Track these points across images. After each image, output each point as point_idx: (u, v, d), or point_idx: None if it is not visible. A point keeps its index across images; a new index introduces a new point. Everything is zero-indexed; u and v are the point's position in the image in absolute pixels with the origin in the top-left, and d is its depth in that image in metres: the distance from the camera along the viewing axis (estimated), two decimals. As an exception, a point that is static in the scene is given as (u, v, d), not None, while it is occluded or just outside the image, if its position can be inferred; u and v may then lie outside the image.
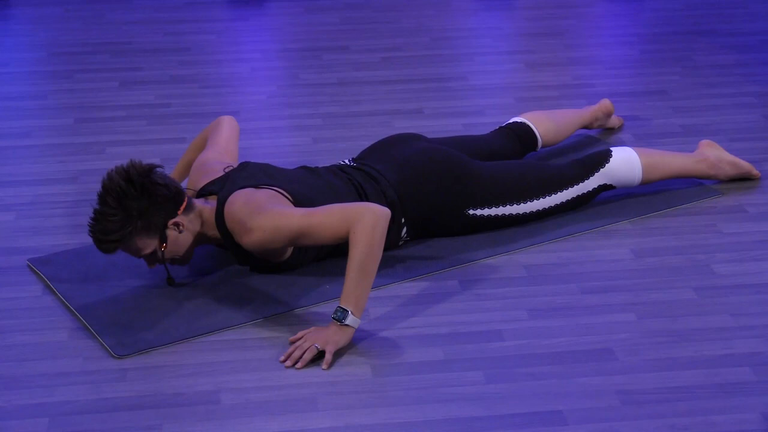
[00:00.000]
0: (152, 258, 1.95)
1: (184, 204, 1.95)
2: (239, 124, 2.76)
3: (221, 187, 2.01)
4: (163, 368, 1.79)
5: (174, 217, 1.93)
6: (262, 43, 3.34)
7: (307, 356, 1.77)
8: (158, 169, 1.98)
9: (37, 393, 1.73)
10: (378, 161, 2.18)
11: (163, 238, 1.92)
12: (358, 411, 1.68)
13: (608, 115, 2.64)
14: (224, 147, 2.19)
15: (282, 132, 2.71)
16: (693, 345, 1.83)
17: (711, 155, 2.36)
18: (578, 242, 2.17)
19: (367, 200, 2.06)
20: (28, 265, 2.12)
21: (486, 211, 2.16)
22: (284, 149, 2.62)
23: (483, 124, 2.73)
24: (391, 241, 2.13)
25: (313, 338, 1.80)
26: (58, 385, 1.74)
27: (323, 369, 1.77)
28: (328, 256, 2.11)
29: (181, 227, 1.94)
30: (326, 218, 1.85)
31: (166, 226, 1.92)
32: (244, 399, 1.71)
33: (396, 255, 2.12)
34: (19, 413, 1.68)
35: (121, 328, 1.89)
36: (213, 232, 2.00)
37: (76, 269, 2.08)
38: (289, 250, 2.00)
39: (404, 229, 2.12)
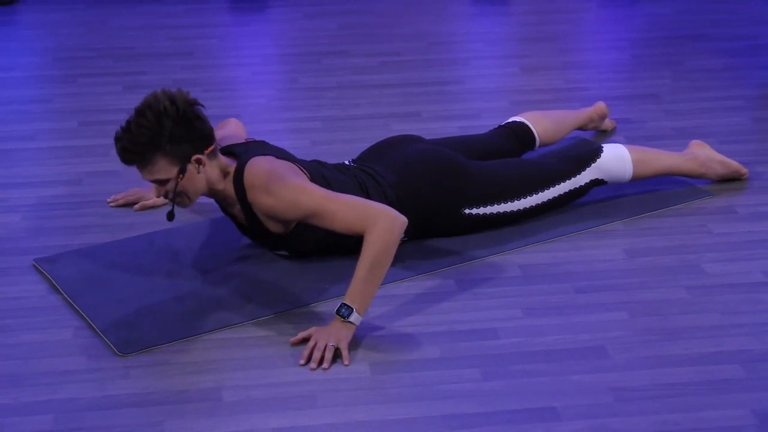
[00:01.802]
0: (163, 185, 1.95)
1: (212, 147, 1.97)
2: (240, 128, 2.80)
3: (243, 151, 2.04)
4: (166, 366, 1.81)
5: (200, 154, 1.95)
6: (262, 48, 3.38)
7: (329, 355, 1.80)
8: (200, 106, 2.01)
9: (42, 390, 1.75)
10: (377, 162, 2.21)
11: (183, 170, 1.94)
12: (356, 408, 1.70)
13: (603, 117, 2.68)
14: (234, 132, 2.22)
15: (282, 135, 2.75)
16: (684, 343, 1.86)
17: (701, 154, 2.40)
18: (572, 242, 2.21)
19: (369, 198, 2.10)
20: (34, 265, 2.15)
21: (482, 210, 2.19)
22: (284, 152, 2.66)
23: (479, 126, 2.77)
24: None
25: (324, 337, 1.82)
26: (63, 383, 1.77)
27: (345, 365, 1.80)
28: (329, 250, 2.13)
29: (201, 166, 1.96)
30: (345, 208, 1.88)
31: (189, 160, 1.94)
32: (245, 396, 1.74)
33: (394, 255, 2.16)
34: (24, 410, 1.71)
35: (124, 327, 1.91)
36: (227, 185, 2.01)
37: (81, 269, 2.11)
38: (293, 224, 2.02)
39: (402, 230, 2.16)
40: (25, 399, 1.74)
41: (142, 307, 1.98)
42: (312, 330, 1.85)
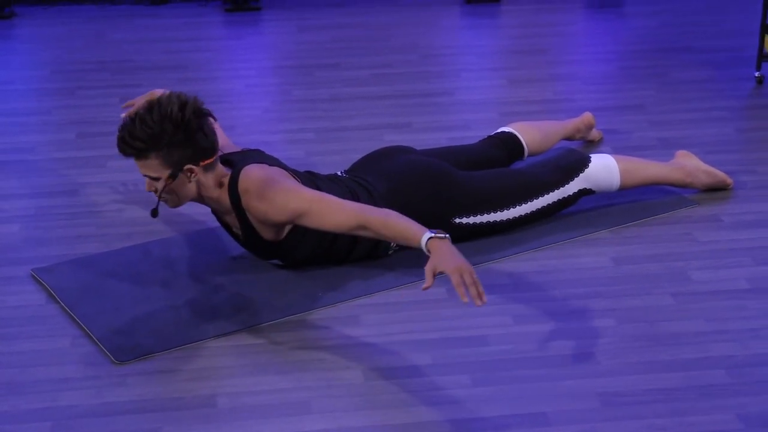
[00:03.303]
0: (154, 183, 1.99)
1: (211, 160, 2.00)
2: (235, 138, 2.83)
3: (239, 160, 2.08)
4: (162, 373, 1.84)
5: (193, 165, 1.98)
6: (256, 61, 3.41)
7: (480, 289, 1.71)
8: (211, 119, 2.03)
9: (40, 398, 1.77)
10: (368, 173, 2.25)
11: (174, 176, 1.97)
12: (350, 414, 1.73)
13: (590, 127, 2.72)
14: (225, 142, 2.26)
15: (276, 146, 2.78)
16: (671, 349, 1.89)
17: (687, 164, 2.44)
18: (560, 251, 2.24)
19: None
20: (32, 275, 2.17)
21: (472, 219, 2.23)
22: (278, 163, 2.69)
23: (469, 137, 2.80)
24: (381, 251, 2.20)
25: (463, 267, 1.72)
26: (61, 391, 1.79)
27: (484, 303, 1.70)
28: (322, 259, 2.16)
29: (192, 176, 1.99)
30: (337, 206, 1.92)
31: (181, 168, 1.97)
32: (240, 403, 1.76)
33: (386, 264, 2.18)
34: (23, 418, 1.73)
35: (121, 335, 1.94)
36: (222, 193, 2.04)
37: (78, 278, 2.14)
38: (286, 230, 2.06)
39: (394, 239, 2.20)
40: (23, 406, 1.76)
41: (138, 316, 2.00)
42: (434, 268, 1.74)
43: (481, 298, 1.71)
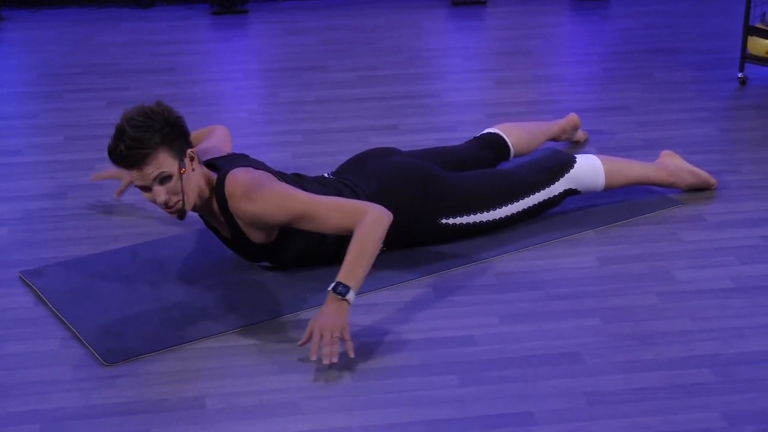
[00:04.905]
0: (167, 183, 1.96)
1: (195, 149, 2.03)
2: (222, 141, 2.84)
3: (224, 164, 2.09)
4: (151, 375, 1.84)
5: (191, 148, 2.00)
6: (243, 63, 3.42)
7: (336, 348, 1.80)
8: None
9: (29, 400, 1.78)
10: (355, 175, 2.26)
11: (182, 164, 1.97)
12: (338, 414, 1.74)
13: (575, 128, 2.74)
14: (219, 145, 2.27)
15: (263, 148, 2.79)
16: (655, 348, 1.90)
17: (671, 164, 2.47)
18: (546, 251, 2.26)
19: None
20: (20, 277, 2.17)
21: (458, 220, 2.25)
22: (266, 165, 2.69)
23: (455, 138, 2.82)
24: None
25: (328, 327, 1.81)
26: (50, 393, 1.80)
27: (351, 357, 1.81)
28: (310, 261, 2.17)
29: (195, 162, 2.00)
30: (331, 207, 1.93)
31: (184, 154, 1.98)
32: (228, 404, 1.77)
33: (373, 264, 2.19)
34: (11, 420, 1.73)
35: (110, 337, 1.94)
36: (209, 197, 2.05)
37: (67, 281, 2.14)
38: (275, 233, 2.07)
39: (381, 240, 2.21)
40: (11, 409, 1.76)
41: (126, 318, 2.01)
42: (311, 324, 1.84)
43: (330, 359, 1.80)
